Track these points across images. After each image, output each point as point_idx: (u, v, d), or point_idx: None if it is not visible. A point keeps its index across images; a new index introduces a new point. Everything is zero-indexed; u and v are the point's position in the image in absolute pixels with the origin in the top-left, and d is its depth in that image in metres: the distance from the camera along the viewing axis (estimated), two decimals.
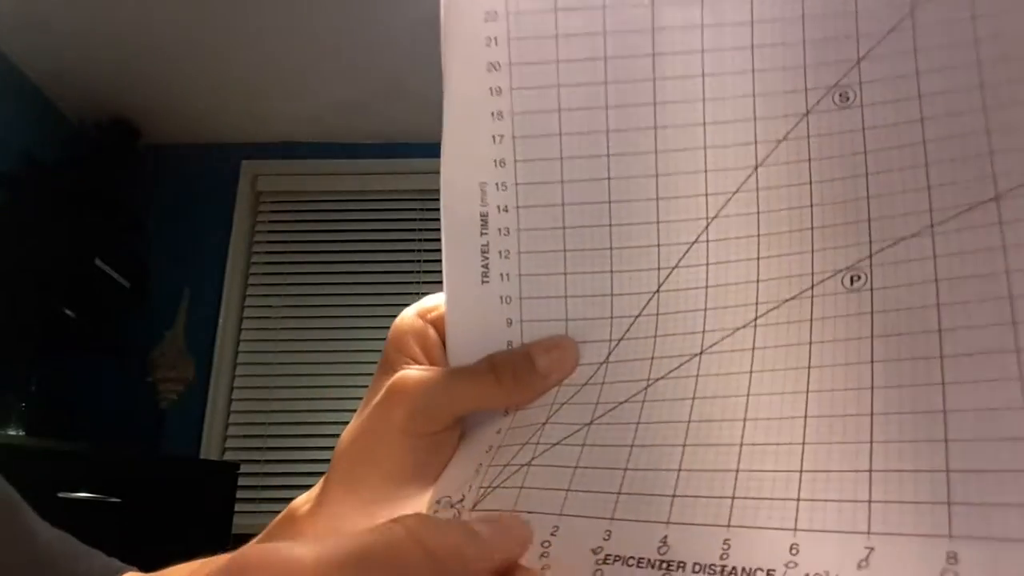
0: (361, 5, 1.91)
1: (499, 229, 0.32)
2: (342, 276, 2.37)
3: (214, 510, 1.79)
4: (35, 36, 2.03)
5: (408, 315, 0.34)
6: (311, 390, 2.26)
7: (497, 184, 0.32)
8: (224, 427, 2.27)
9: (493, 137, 0.32)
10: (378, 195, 2.37)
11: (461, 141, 0.32)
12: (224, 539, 1.70)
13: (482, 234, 0.32)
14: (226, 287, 2.36)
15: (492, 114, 0.32)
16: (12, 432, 1.86)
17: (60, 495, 1.52)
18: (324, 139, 2.45)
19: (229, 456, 2.22)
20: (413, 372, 0.32)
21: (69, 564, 0.40)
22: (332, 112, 2.35)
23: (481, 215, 0.32)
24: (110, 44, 2.08)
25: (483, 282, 0.32)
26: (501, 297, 0.32)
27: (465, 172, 0.32)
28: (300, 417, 2.25)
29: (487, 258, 0.32)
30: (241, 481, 1.97)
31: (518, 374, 0.31)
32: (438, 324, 0.34)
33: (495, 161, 0.32)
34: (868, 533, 0.22)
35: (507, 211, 0.32)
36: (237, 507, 1.85)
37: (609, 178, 0.31)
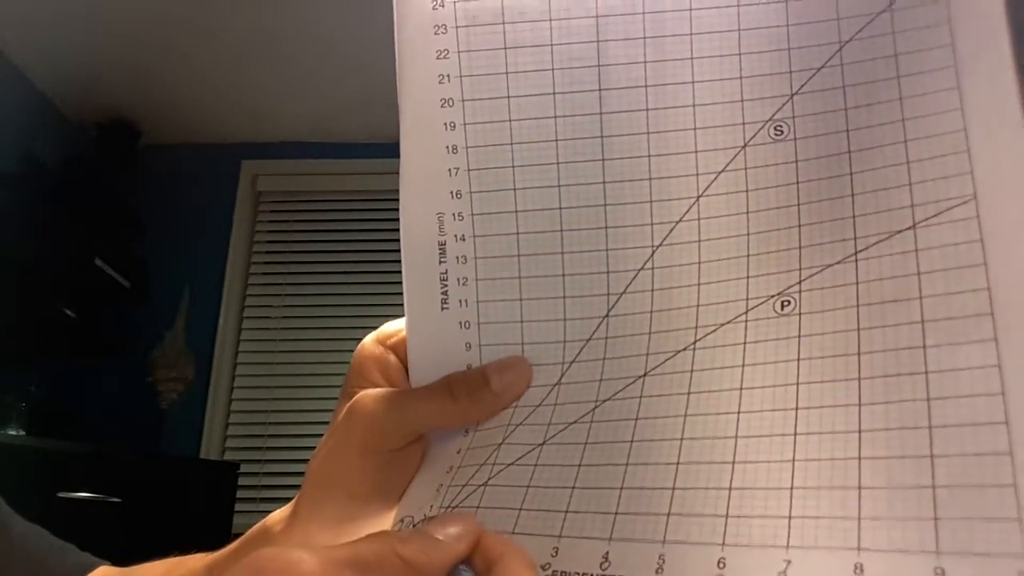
0: (361, 5, 1.91)
1: (457, 257, 0.33)
2: (342, 276, 2.37)
3: (214, 510, 1.79)
4: (35, 36, 2.03)
5: (368, 342, 0.36)
6: (311, 390, 2.27)
7: (454, 214, 0.33)
8: (224, 427, 2.27)
9: (449, 170, 0.33)
10: (378, 195, 2.38)
11: (418, 173, 0.33)
12: (224, 539, 1.69)
13: (440, 262, 0.33)
14: (226, 287, 2.36)
15: (447, 148, 0.33)
16: (12, 432, 1.87)
17: (60, 495, 1.52)
18: (324, 139, 2.45)
19: (229, 456, 2.22)
20: (372, 392, 0.33)
21: (43, 557, 0.41)
22: (332, 112, 2.35)
23: (439, 244, 0.33)
24: (110, 44, 2.08)
25: (443, 308, 0.33)
26: (460, 323, 0.33)
27: (423, 203, 0.33)
28: (300, 417, 2.25)
29: (446, 285, 0.33)
30: (241, 481, 1.98)
31: (473, 393, 0.32)
32: (398, 349, 0.35)
33: (451, 192, 0.33)
34: (787, 547, 0.23)
35: (464, 240, 0.33)
36: (237, 507, 1.85)
37: (560, 208, 0.32)
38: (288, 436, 2.26)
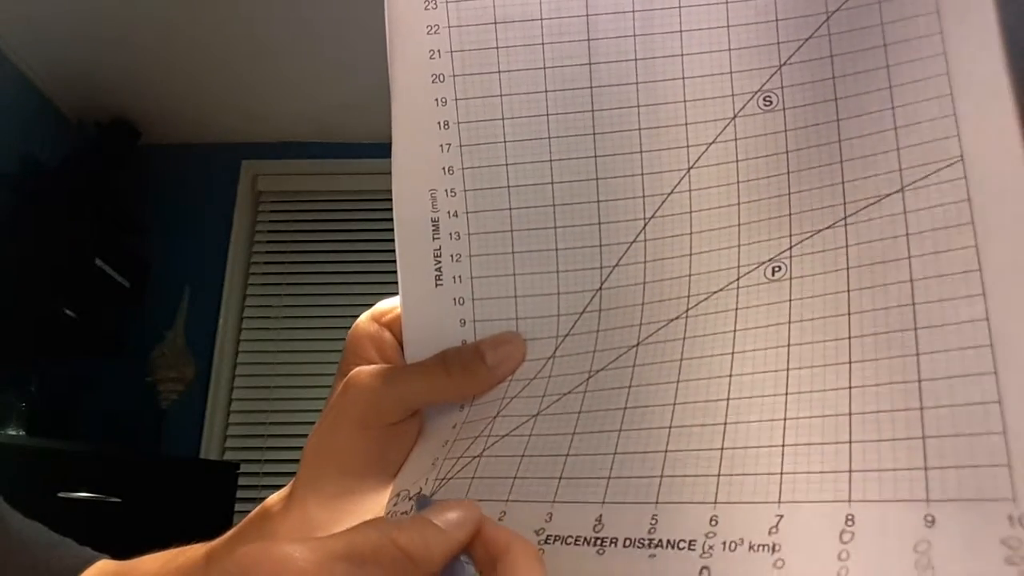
0: (362, 5, 1.91)
1: (450, 234, 0.33)
2: (342, 276, 2.38)
3: (214, 510, 1.79)
4: (35, 36, 2.03)
5: (363, 320, 0.36)
6: (311, 390, 2.27)
7: (447, 190, 0.33)
8: (224, 427, 2.27)
9: (441, 146, 0.33)
10: (378, 195, 2.38)
11: (410, 150, 0.34)
12: None
13: (434, 239, 0.33)
14: (226, 287, 2.36)
15: (439, 124, 0.33)
16: (12, 432, 1.87)
17: (60, 495, 1.53)
18: (324, 139, 2.45)
19: (229, 456, 2.22)
20: (367, 368, 0.33)
21: (41, 552, 0.41)
22: (332, 112, 2.35)
23: (432, 220, 0.33)
24: (110, 44, 2.08)
25: (437, 285, 0.33)
26: (455, 299, 0.33)
27: (415, 180, 0.34)
28: (300, 417, 2.25)
29: (440, 262, 0.33)
30: (241, 481, 1.98)
31: (468, 367, 0.32)
32: (393, 327, 0.35)
33: (444, 168, 0.33)
34: (779, 502, 0.23)
35: (457, 216, 0.33)
36: (237, 507, 1.85)
37: (552, 182, 0.32)
38: (288, 436, 2.26)
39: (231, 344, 2.34)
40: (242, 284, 2.40)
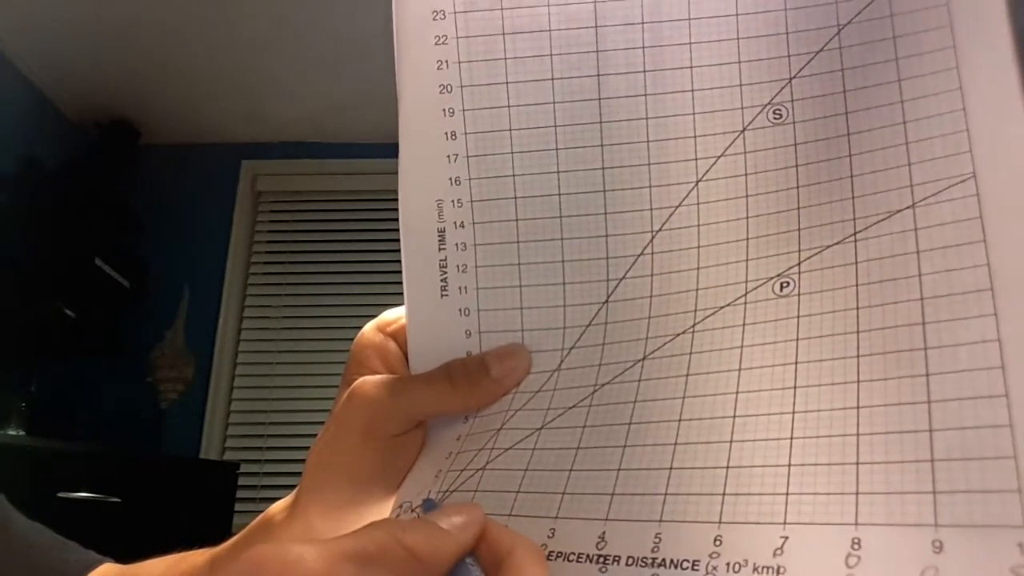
0: (361, 5, 1.91)
1: (456, 244, 0.33)
2: (342, 276, 2.37)
3: (214, 510, 1.79)
4: (35, 36, 2.03)
5: (368, 330, 0.36)
6: (311, 390, 2.26)
7: (453, 201, 0.33)
8: (224, 427, 2.27)
9: (448, 156, 0.33)
10: (378, 195, 2.37)
11: (417, 160, 0.33)
12: (224, 539, 1.68)
13: (440, 249, 0.33)
14: (226, 287, 2.36)
15: (446, 134, 0.33)
16: (12, 432, 1.86)
17: (60, 495, 1.52)
18: (324, 139, 2.45)
19: (229, 456, 2.22)
20: (371, 378, 0.33)
21: (44, 554, 0.41)
22: (332, 112, 2.35)
23: (439, 231, 0.33)
24: (110, 44, 2.08)
25: (442, 295, 0.33)
26: (460, 310, 0.33)
27: (422, 190, 0.33)
28: (300, 417, 2.25)
29: (445, 272, 0.33)
30: (241, 481, 1.97)
31: (472, 379, 0.32)
32: (398, 336, 0.35)
33: (450, 179, 0.33)
34: (784, 523, 0.23)
35: (463, 227, 0.33)
36: (237, 507, 1.85)
37: (560, 194, 0.32)
38: (288, 436, 2.25)
39: (231, 344, 2.34)
40: (242, 284, 2.40)
